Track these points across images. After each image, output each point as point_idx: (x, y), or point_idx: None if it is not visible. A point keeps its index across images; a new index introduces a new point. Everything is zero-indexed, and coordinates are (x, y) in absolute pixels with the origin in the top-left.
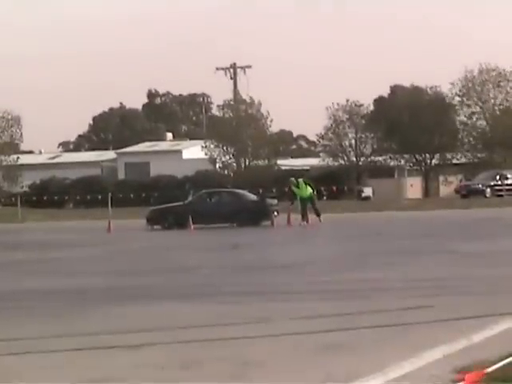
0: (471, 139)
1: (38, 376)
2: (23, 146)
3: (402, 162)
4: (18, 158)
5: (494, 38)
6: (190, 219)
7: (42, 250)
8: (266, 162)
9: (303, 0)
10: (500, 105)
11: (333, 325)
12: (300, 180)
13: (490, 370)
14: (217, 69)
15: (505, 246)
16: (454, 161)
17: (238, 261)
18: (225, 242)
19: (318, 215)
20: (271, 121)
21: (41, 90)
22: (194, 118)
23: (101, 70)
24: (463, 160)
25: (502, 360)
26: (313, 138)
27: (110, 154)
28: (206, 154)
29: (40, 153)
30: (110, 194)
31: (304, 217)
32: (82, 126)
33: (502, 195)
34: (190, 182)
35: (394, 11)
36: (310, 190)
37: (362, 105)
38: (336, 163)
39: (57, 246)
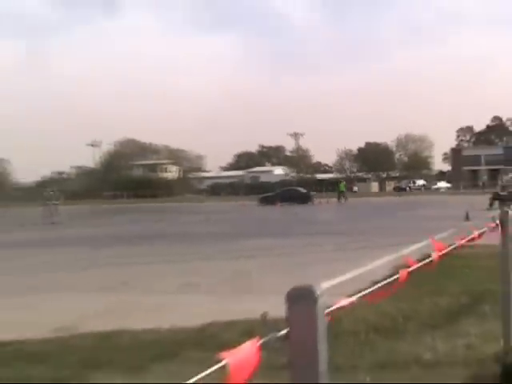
0: (399, 166)
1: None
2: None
3: (370, 175)
4: (201, 174)
5: (416, 116)
6: (278, 201)
7: (206, 215)
8: (310, 175)
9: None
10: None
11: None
12: (343, 182)
13: (413, 267)
14: (287, 134)
15: (420, 212)
16: (393, 175)
17: (297, 219)
18: (291, 211)
19: (340, 199)
20: (313, 156)
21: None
22: (277, 156)
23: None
24: (397, 175)
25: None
26: (330, 164)
27: (243, 173)
28: (283, 171)
29: (209, 171)
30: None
31: (340, 198)
32: (229, 159)
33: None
34: (276, 185)
35: (372, 107)
36: (343, 188)
37: (351, 150)
38: (341, 176)
39: (207, 213)
